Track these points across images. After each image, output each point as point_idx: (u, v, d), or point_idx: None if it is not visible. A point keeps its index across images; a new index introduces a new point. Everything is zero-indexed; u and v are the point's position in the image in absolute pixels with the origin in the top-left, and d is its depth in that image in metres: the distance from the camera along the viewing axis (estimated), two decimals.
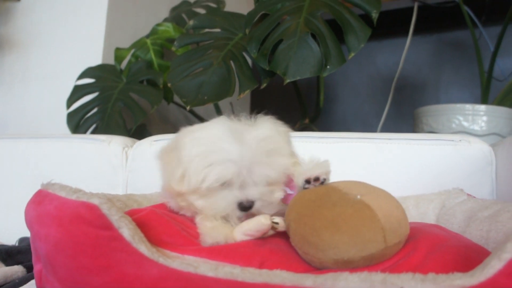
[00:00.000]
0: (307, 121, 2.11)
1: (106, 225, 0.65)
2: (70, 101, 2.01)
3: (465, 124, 1.99)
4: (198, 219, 0.79)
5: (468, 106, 2.01)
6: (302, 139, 1.32)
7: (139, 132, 2.02)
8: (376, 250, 0.64)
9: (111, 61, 2.13)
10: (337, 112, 2.97)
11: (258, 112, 0.86)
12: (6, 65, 2.38)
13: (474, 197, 1.09)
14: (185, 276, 0.60)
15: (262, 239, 0.74)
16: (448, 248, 0.68)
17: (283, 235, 0.76)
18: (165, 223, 0.78)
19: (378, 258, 0.65)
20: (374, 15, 1.43)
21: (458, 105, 2.03)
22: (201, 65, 1.60)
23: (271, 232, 0.76)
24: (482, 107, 1.99)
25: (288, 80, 1.39)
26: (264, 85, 1.53)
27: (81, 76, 2.04)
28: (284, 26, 1.49)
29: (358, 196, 0.69)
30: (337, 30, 1.47)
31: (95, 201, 0.67)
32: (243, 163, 0.73)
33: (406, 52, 2.49)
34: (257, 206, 0.75)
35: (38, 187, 1.43)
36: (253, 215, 0.75)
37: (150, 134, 1.76)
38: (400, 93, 2.69)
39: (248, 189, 0.75)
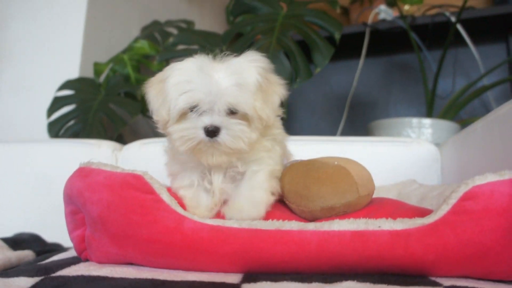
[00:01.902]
0: None
1: (150, 191, 0.83)
2: (50, 111, 2.11)
3: (413, 135, 2.23)
4: (173, 187, 0.92)
5: (415, 120, 2.26)
6: None
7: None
8: (352, 199, 0.85)
9: (88, 74, 2.25)
10: (295, 129, 3.18)
11: None
12: None
13: (423, 184, 1.31)
14: (216, 228, 0.78)
15: None
16: (408, 208, 0.89)
17: (280, 201, 0.95)
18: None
19: (353, 205, 0.86)
20: (337, 36, 1.66)
21: (407, 119, 2.28)
22: None
23: None
24: (427, 120, 2.25)
25: None
26: None
27: (60, 88, 2.14)
28: (258, 44, 1.68)
29: (336, 162, 0.91)
30: (304, 49, 1.68)
31: (139, 172, 0.84)
32: (210, 92, 0.81)
33: (359, 73, 2.75)
34: (222, 135, 0.82)
35: (32, 188, 1.55)
36: (219, 146, 0.83)
37: (124, 143, 1.90)
38: (353, 110, 2.93)
39: (215, 117, 0.82)
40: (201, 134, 0.83)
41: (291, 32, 1.70)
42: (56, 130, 2.08)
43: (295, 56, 1.64)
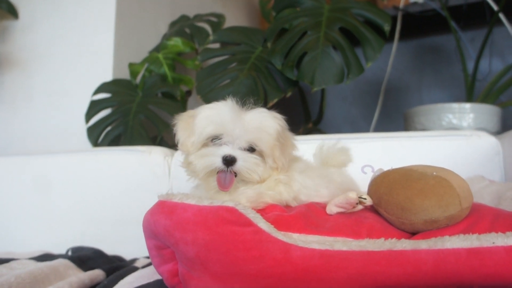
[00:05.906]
0: (310, 125, 2.28)
1: (247, 223, 0.80)
2: (88, 115, 2.09)
3: (454, 121, 2.19)
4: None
5: (455, 105, 2.22)
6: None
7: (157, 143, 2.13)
8: (455, 211, 0.82)
9: (121, 75, 2.22)
10: (326, 116, 3.14)
11: None
12: (6, 83, 2.40)
13: (494, 181, 1.28)
14: (326, 253, 0.76)
15: (360, 215, 0.91)
16: (505, 216, 0.86)
17: (372, 211, 0.93)
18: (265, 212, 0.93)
19: (455, 218, 0.83)
20: (386, 28, 1.62)
21: (446, 105, 2.23)
22: (228, 77, 1.74)
23: (360, 207, 0.93)
24: (468, 105, 2.20)
25: (315, 89, 1.56)
26: (289, 93, 1.69)
27: (96, 91, 2.12)
28: (306, 40, 1.65)
29: (434, 173, 0.88)
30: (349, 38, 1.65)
31: (231, 204, 0.81)
32: (236, 127, 0.93)
33: (392, 58, 2.71)
34: (238, 165, 0.93)
35: (86, 199, 1.54)
36: (231, 178, 0.93)
37: (167, 144, 1.88)
38: (386, 95, 2.89)
39: (233, 149, 0.94)
40: (219, 162, 0.93)
41: (338, 25, 1.66)
42: (96, 135, 2.06)
43: (345, 51, 1.61)
